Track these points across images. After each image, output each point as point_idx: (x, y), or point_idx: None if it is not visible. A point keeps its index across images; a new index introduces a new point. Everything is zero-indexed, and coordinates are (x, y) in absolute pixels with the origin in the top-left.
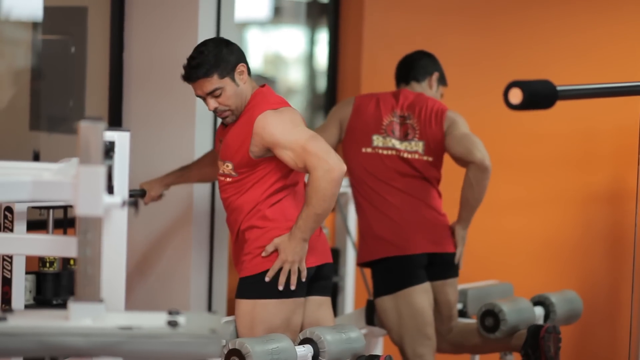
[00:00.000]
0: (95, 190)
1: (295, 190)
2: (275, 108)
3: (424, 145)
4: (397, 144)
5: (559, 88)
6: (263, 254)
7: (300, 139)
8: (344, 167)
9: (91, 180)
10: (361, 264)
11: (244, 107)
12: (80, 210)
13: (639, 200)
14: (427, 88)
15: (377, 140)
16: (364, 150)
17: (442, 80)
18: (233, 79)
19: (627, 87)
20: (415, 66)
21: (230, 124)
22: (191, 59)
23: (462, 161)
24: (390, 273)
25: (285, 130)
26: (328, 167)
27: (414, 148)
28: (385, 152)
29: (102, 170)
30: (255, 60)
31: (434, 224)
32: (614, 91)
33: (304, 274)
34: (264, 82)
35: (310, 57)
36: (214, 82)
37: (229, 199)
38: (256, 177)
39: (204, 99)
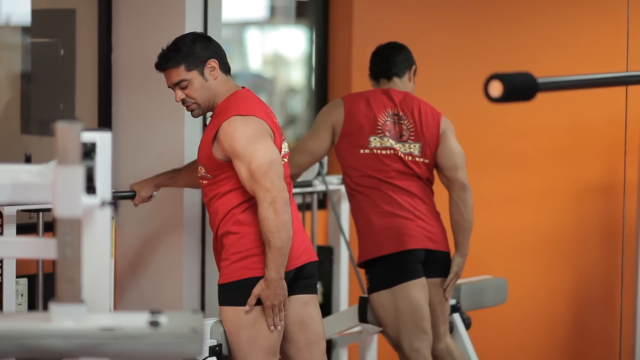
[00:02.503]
0: (73, 191)
1: None
2: (243, 114)
3: (420, 147)
4: (393, 143)
5: (539, 80)
6: (246, 309)
7: (252, 162)
8: (286, 195)
9: (69, 181)
10: (361, 263)
11: (213, 103)
12: (59, 211)
13: (627, 193)
14: (407, 81)
15: (375, 142)
16: (362, 151)
17: (415, 72)
18: (202, 73)
19: (608, 78)
20: (395, 62)
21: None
22: (164, 48)
23: (444, 174)
24: (388, 268)
25: (245, 144)
26: (271, 198)
27: (409, 150)
28: (383, 152)
29: (79, 171)
30: (254, 60)
31: (432, 221)
32: (594, 82)
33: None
34: (262, 83)
35: (309, 57)
36: (180, 73)
37: (209, 202)
38: (231, 182)
39: (173, 89)
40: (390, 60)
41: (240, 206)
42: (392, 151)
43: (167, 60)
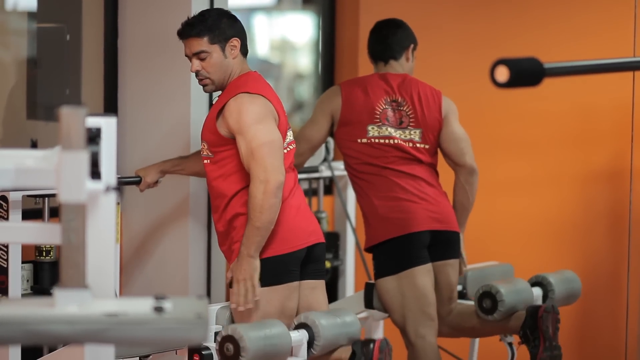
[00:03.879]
0: (77, 176)
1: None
2: (252, 92)
3: (421, 133)
4: (392, 131)
5: (545, 65)
6: (227, 282)
7: (254, 139)
8: (281, 179)
9: (73, 166)
10: (368, 248)
11: (226, 82)
12: (63, 196)
13: (633, 179)
14: (405, 62)
15: (373, 131)
16: (359, 141)
17: (415, 47)
18: (223, 49)
19: (615, 64)
20: (390, 43)
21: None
22: (190, 17)
23: (450, 159)
24: (393, 253)
25: (249, 122)
26: (264, 177)
27: (410, 136)
28: (381, 140)
29: (84, 156)
30: (262, 46)
31: (437, 202)
32: (601, 68)
33: (257, 291)
34: (269, 68)
35: (317, 42)
36: (202, 44)
37: (212, 183)
38: (233, 162)
39: (190, 59)
40: (386, 43)
41: (248, 188)
42: (391, 140)
43: (192, 27)
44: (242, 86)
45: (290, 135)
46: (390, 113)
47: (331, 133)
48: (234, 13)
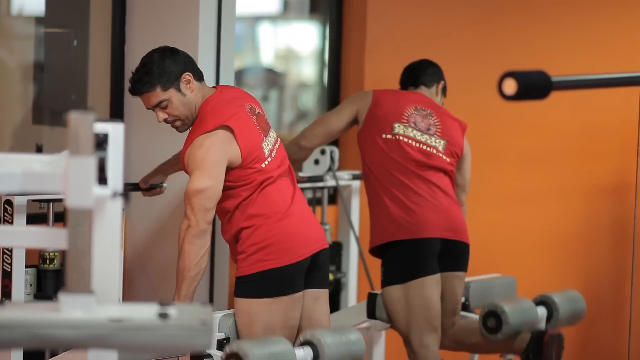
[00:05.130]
0: (85, 181)
1: (276, 179)
2: (208, 131)
3: (445, 144)
4: (417, 135)
5: (553, 79)
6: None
7: (190, 184)
8: (204, 227)
9: (81, 171)
10: (373, 248)
11: (195, 114)
12: (70, 201)
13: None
14: (434, 95)
15: (398, 128)
16: (384, 136)
17: (445, 91)
18: (178, 89)
19: (623, 78)
20: (424, 73)
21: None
22: (135, 72)
23: (456, 185)
24: (403, 260)
25: (191, 165)
26: (187, 224)
27: (434, 144)
28: (405, 139)
29: (91, 162)
30: (266, 54)
31: (450, 211)
32: (609, 82)
33: None
34: (273, 77)
35: (322, 52)
36: (158, 94)
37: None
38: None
39: (154, 111)
40: (418, 71)
41: (248, 200)
42: (414, 142)
43: (142, 84)
44: (201, 124)
45: (269, 145)
46: (418, 119)
47: (336, 142)
48: (239, 20)
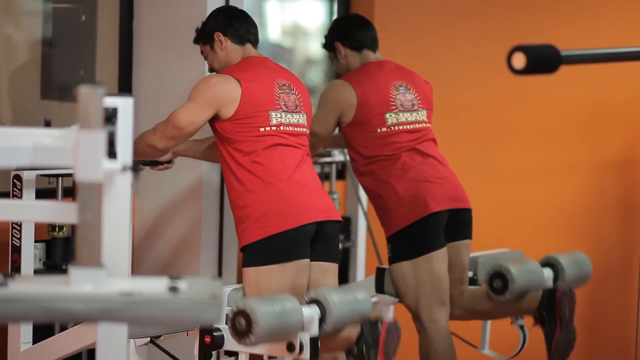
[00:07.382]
0: (94, 155)
1: (277, 147)
2: (221, 73)
3: (427, 112)
4: (408, 117)
5: (563, 53)
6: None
7: (182, 111)
8: (158, 144)
9: (91, 145)
10: (392, 235)
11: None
12: (80, 175)
13: None
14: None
15: (391, 118)
16: (379, 130)
17: None
18: (212, 47)
19: (632, 52)
20: (374, 34)
21: None
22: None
23: None
24: (411, 236)
25: (193, 95)
26: (155, 137)
27: (421, 117)
28: (399, 127)
29: (101, 136)
30: (274, 30)
31: (451, 180)
32: (618, 56)
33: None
34: (281, 52)
35: None
36: (200, 47)
37: (224, 172)
38: (226, 149)
39: None
40: (371, 32)
41: (246, 168)
42: (408, 125)
43: (195, 38)
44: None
45: (281, 119)
46: (402, 98)
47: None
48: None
